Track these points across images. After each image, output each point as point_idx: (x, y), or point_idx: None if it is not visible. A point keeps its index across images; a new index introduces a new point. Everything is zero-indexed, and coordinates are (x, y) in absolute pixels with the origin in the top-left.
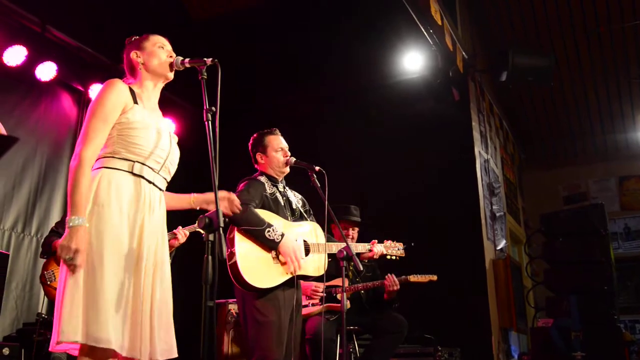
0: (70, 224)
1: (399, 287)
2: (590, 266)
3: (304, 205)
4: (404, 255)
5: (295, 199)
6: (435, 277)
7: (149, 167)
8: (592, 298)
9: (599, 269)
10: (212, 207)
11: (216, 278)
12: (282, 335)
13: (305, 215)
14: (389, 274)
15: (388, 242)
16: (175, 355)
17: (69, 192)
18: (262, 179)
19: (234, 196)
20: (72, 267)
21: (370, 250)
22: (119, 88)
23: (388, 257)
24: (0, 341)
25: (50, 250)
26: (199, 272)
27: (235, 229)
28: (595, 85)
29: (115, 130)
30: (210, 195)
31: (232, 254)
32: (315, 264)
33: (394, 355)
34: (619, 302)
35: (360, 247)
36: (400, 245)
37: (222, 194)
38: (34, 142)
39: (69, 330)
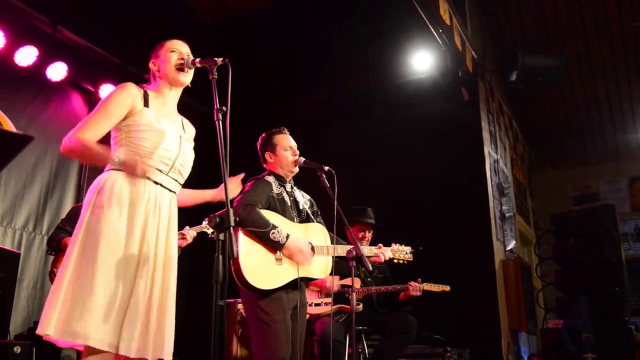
0: (117, 160)
1: (421, 293)
2: (601, 267)
3: (311, 207)
4: (411, 259)
5: (303, 199)
6: (448, 288)
7: (155, 168)
8: (602, 299)
9: (610, 270)
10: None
11: (227, 277)
12: (288, 335)
13: (312, 217)
14: (412, 282)
15: (395, 246)
16: (170, 357)
17: (89, 159)
18: (270, 178)
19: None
20: (140, 170)
21: (377, 255)
22: (129, 90)
23: (395, 261)
24: (11, 340)
25: (58, 247)
26: (204, 271)
27: (240, 229)
28: (606, 85)
29: (123, 132)
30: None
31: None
32: (322, 266)
33: (403, 355)
34: (629, 304)
35: (367, 251)
36: (408, 249)
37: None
38: (45, 142)
39: (45, 323)
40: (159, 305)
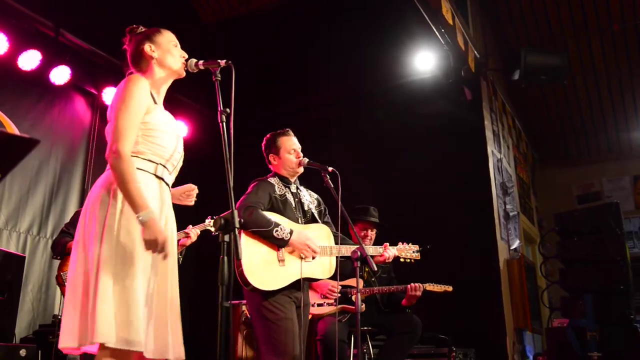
0: (141, 219)
1: (420, 293)
2: (605, 265)
3: (318, 206)
4: (419, 258)
5: (310, 199)
6: (450, 288)
7: (167, 169)
8: (607, 298)
9: (614, 269)
10: (180, 202)
11: (232, 278)
12: (296, 331)
13: (318, 217)
14: (412, 283)
15: (402, 245)
16: (183, 355)
17: (122, 190)
18: (273, 180)
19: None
20: (164, 256)
21: (382, 254)
22: (144, 86)
23: (402, 260)
24: (17, 343)
25: (64, 251)
26: (209, 273)
27: (242, 232)
28: (608, 83)
29: (140, 130)
30: (178, 190)
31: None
32: (324, 267)
33: (408, 355)
34: (635, 302)
35: (372, 250)
36: (415, 248)
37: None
38: (49, 145)
39: (104, 331)
40: (173, 303)
